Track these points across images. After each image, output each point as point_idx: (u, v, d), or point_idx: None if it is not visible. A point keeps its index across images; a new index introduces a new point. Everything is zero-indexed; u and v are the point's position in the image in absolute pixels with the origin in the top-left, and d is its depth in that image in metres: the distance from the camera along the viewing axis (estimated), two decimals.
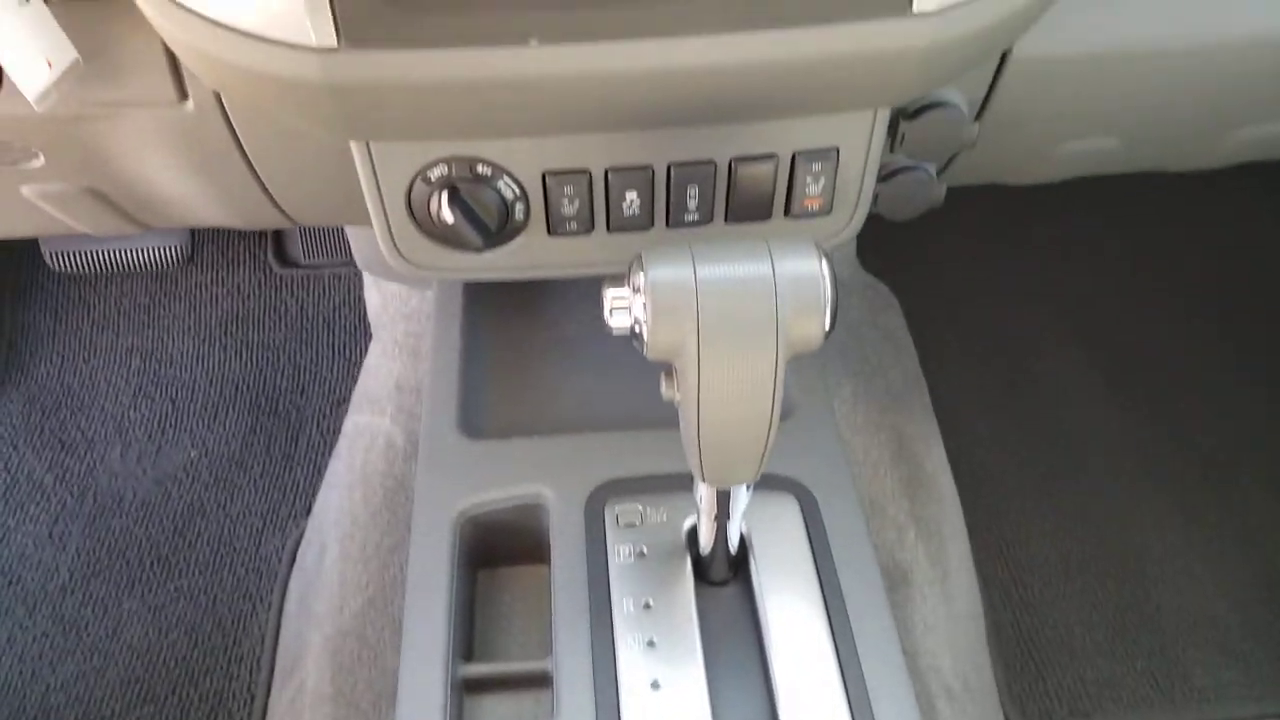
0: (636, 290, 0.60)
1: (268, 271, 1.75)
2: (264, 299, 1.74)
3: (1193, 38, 0.75)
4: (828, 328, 0.60)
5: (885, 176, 0.82)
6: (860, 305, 1.31)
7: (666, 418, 0.70)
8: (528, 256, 0.78)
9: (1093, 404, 1.52)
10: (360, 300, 1.66)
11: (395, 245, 0.77)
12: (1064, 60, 0.76)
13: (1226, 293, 1.65)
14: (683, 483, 0.75)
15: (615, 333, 0.62)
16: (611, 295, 0.61)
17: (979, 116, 0.80)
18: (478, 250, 0.74)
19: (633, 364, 0.70)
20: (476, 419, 0.93)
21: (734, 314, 0.58)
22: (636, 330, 0.61)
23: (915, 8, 0.59)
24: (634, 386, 0.94)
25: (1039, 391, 1.52)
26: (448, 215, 0.72)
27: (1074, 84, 0.78)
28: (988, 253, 1.65)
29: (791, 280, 0.59)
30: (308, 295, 1.73)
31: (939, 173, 0.86)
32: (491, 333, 1.03)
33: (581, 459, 0.86)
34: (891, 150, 0.79)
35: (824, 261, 0.60)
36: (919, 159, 0.82)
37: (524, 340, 1.02)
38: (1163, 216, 1.71)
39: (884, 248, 1.39)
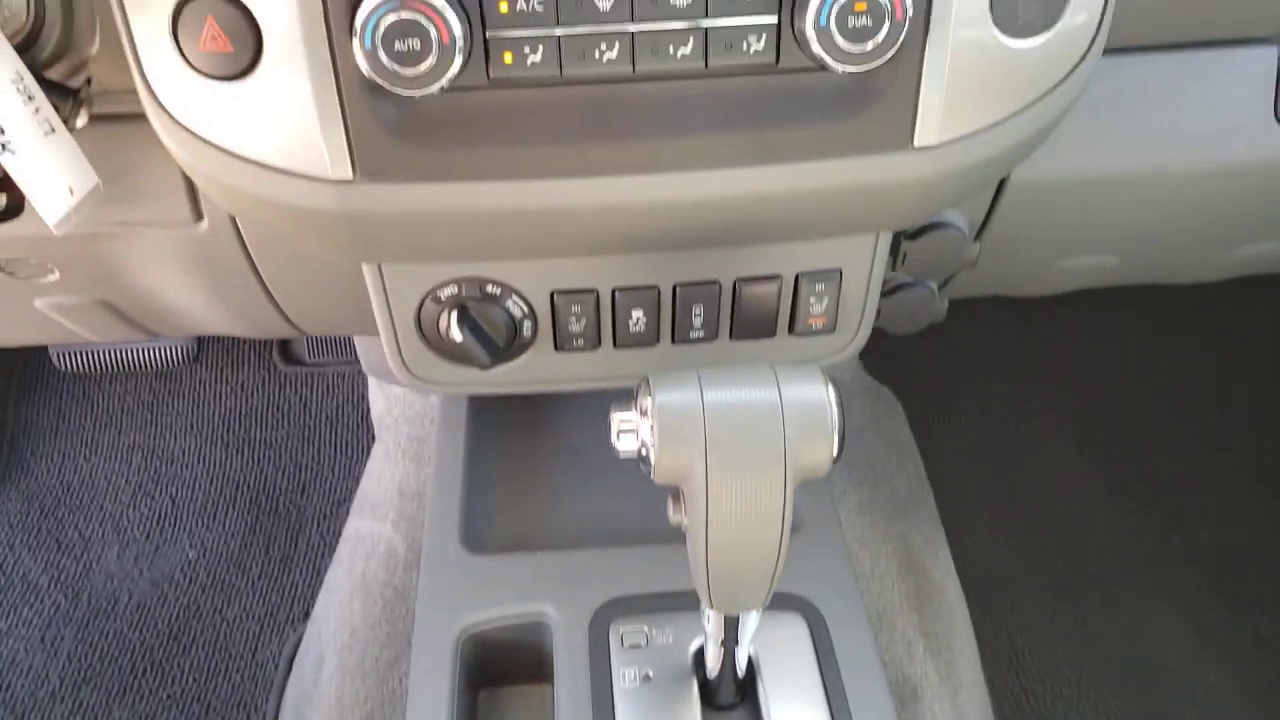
0: (644, 414, 0.61)
1: (272, 369, 1.76)
2: (267, 396, 1.74)
3: (1186, 163, 0.77)
4: (835, 454, 0.60)
5: (888, 292, 0.83)
6: (864, 410, 1.31)
7: (672, 532, 0.69)
8: (534, 372, 0.78)
9: (1099, 507, 1.51)
10: (364, 398, 1.66)
11: (404, 362, 0.77)
12: (1060, 184, 0.77)
13: (1229, 397, 1.65)
14: (689, 601, 0.73)
15: (622, 456, 0.62)
16: (619, 419, 0.61)
17: (978, 237, 0.82)
18: (485, 368, 0.74)
19: (639, 475, 0.70)
20: (479, 532, 0.92)
21: (742, 440, 0.58)
22: (644, 454, 0.61)
23: (916, 142, 0.60)
24: (640, 498, 0.94)
25: (1045, 495, 1.51)
26: (456, 334, 0.73)
27: (1071, 206, 0.79)
28: (991, 355, 1.65)
29: (798, 406, 0.59)
30: (311, 393, 1.74)
31: (940, 288, 0.87)
32: (496, 440, 1.03)
33: (586, 576, 0.85)
34: (894, 269, 0.80)
35: (830, 387, 0.60)
36: (921, 277, 0.83)
37: (529, 448, 1.02)
38: (1165, 321, 1.72)
39: (886, 350, 1.40)
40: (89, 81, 0.69)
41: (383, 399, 1.32)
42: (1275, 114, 0.75)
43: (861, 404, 1.32)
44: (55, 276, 0.84)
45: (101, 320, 0.92)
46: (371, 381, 1.38)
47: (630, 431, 0.61)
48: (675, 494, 0.63)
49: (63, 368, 1.74)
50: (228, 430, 1.70)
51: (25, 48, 0.66)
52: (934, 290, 0.85)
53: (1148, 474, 1.56)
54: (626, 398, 0.63)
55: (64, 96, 0.67)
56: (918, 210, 0.67)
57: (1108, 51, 0.62)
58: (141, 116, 0.63)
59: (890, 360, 1.46)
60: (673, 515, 0.63)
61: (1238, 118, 0.75)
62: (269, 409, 1.72)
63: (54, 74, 0.69)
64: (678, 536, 0.65)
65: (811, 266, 0.74)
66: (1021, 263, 0.88)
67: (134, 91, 0.62)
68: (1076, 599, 1.38)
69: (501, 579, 0.86)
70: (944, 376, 1.61)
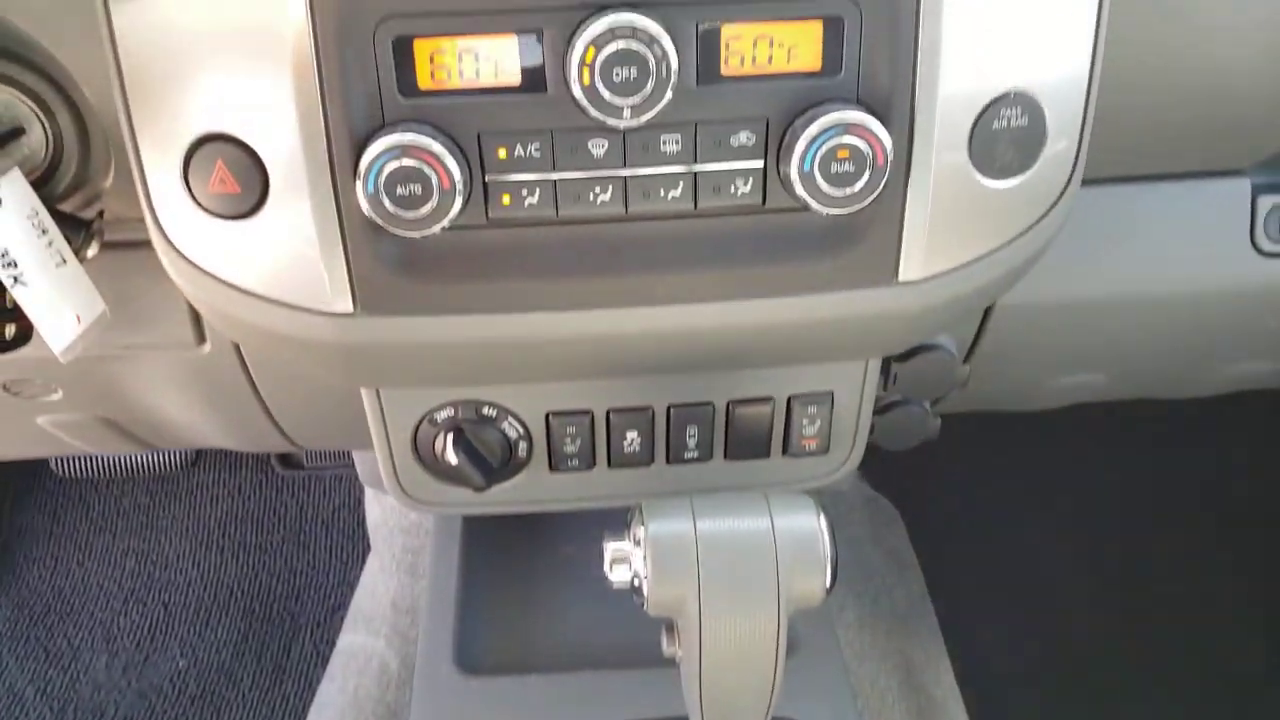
0: (636, 543, 0.61)
1: (269, 473, 1.76)
2: (264, 500, 1.73)
3: (1167, 289, 0.79)
4: (829, 585, 0.60)
5: (880, 410, 0.84)
6: (862, 521, 1.31)
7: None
8: (528, 492, 0.79)
9: (1101, 614, 1.49)
10: (360, 502, 1.65)
11: (400, 484, 0.78)
12: (1046, 308, 0.79)
13: (1229, 504, 1.65)
14: None
15: (615, 587, 0.62)
16: (612, 548, 0.62)
17: (968, 358, 0.83)
18: (480, 490, 0.75)
19: None
20: (473, 651, 0.91)
21: (735, 573, 0.58)
22: (636, 585, 0.61)
23: (901, 277, 0.62)
24: (637, 618, 0.93)
25: (1047, 603, 1.50)
26: (452, 457, 0.74)
27: (1057, 329, 0.81)
28: (989, 462, 1.65)
29: (791, 537, 0.59)
30: (308, 496, 1.74)
31: (933, 406, 0.88)
32: (491, 553, 1.03)
33: (582, 700, 0.84)
34: (885, 389, 0.82)
35: (822, 518, 0.60)
36: (912, 397, 0.84)
37: (524, 562, 1.02)
38: (1163, 429, 1.73)
39: (884, 458, 1.40)
40: (101, 214, 0.72)
41: (378, 509, 1.32)
42: (1252, 242, 0.78)
43: (860, 515, 1.32)
44: (59, 395, 0.85)
45: (102, 435, 0.93)
46: (368, 491, 1.38)
47: (623, 562, 0.61)
48: (669, 624, 0.63)
49: (59, 472, 1.74)
50: (223, 534, 1.69)
51: (43, 182, 0.69)
52: (926, 409, 0.86)
53: (1150, 579, 1.54)
54: (619, 524, 0.64)
55: (76, 228, 0.69)
56: (905, 340, 0.69)
57: (1087, 182, 0.65)
58: (148, 243, 0.65)
59: (888, 468, 1.46)
60: (666, 647, 0.63)
61: (1216, 246, 0.78)
62: (265, 512, 1.72)
63: (68, 205, 0.71)
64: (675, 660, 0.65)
65: (803, 389, 0.75)
66: (1012, 382, 0.89)
67: (143, 220, 0.64)
68: (1083, 712, 1.35)
69: (495, 702, 0.85)
70: (942, 483, 1.61)
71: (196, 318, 0.77)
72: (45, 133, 0.68)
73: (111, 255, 0.73)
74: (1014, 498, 1.62)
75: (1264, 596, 1.52)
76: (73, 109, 0.67)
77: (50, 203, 0.68)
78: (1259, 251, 0.78)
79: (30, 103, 0.67)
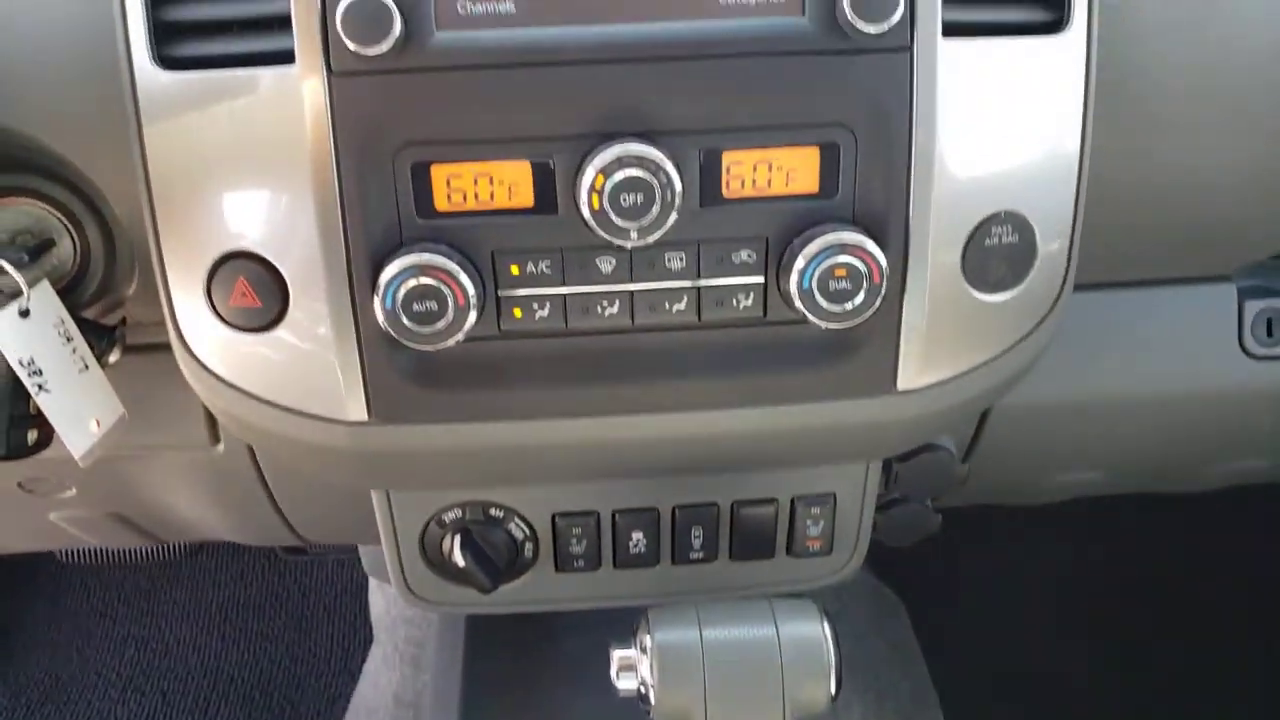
0: (643, 651, 0.62)
1: (272, 557, 1.75)
2: (266, 584, 1.73)
3: (1159, 390, 0.81)
4: (833, 692, 0.60)
5: (882, 507, 0.85)
6: (866, 613, 1.31)
7: None
8: (534, 592, 0.80)
9: (1107, 705, 1.47)
10: (363, 588, 1.65)
11: (406, 583, 0.79)
12: (1041, 408, 0.81)
13: (1234, 597, 1.64)
14: None
15: (622, 694, 0.62)
16: (618, 656, 0.63)
17: (966, 457, 0.85)
18: (486, 592, 0.75)
19: None
20: None
21: (741, 681, 0.59)
22: (643, 692, 0.61)
23: (899, 386, 0.64)
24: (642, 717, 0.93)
25: (1054, 694, 1.48)
26: (459, 559, 0.75)
27: (1053, 429, 0.83)
28: (993, 550, 1.65)
29: (795, 644, 0.60)
30: (310, 581, 1.73)
31: (933, 501, 0.90)
32: (495, 649, 1.03)
33: None
34: (886, 486, 0.83)
35: (826, 624, 0.61)
36: (913, 495, 0.85)
37: (528, 658, 1.02)
38: (1166, 520, 1.73)
39: (887, 546, 1.40)
40: (124, 321, 0.74)
41: (382, 599, 1.32)
42: (1240, 345, 0.80)
43: (863, 606, 1.31)
44: (72, 492, 0.86)
45: (112, 530, 0.94)
46: (372, 581, 1.38)
47: (630, 669, 0.62)
48: None
49: (61, 557, 1.73)
50: (225, 620, 1.68)
51: (68, 290, 0.71)
52: (927, 505, 0.87)
53: (1154, 666, 1.53)
54: (624, 623, 0.65)
55: (100, 335, 0.72)
56: (904, 444, 0.70)
57: (1079, 288, 0.67)
58: (164, 347, 0.67)
59: (890, 554, 1.46)
60: None
61: (1205, 349, 0.80)
62: (268, 598, 1.71)
63: (90, 311, 0.74)
64: None
65: (806, 490, 0.76)
66: (1011, 478, 0.91)
67: (162, 324, 0.66)
68: None
69: None
70: (945, 571, 1.61)
71: (211, 419, 0.78)
72: (74, 244, 0.70)
73: (130, 358, 0.75)
74: (1017, 586, 1.62)
75: (1274, 682, 1.50)
76: (100, 222, 0.70)
77: (75, 310, 0.70)
78: (1248, 354, 0.80)
79: (60, 216, 0.70)
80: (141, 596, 1.72)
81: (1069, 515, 1.67)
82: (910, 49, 0.57)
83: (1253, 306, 0.80)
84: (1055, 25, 0.61)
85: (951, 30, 0.58)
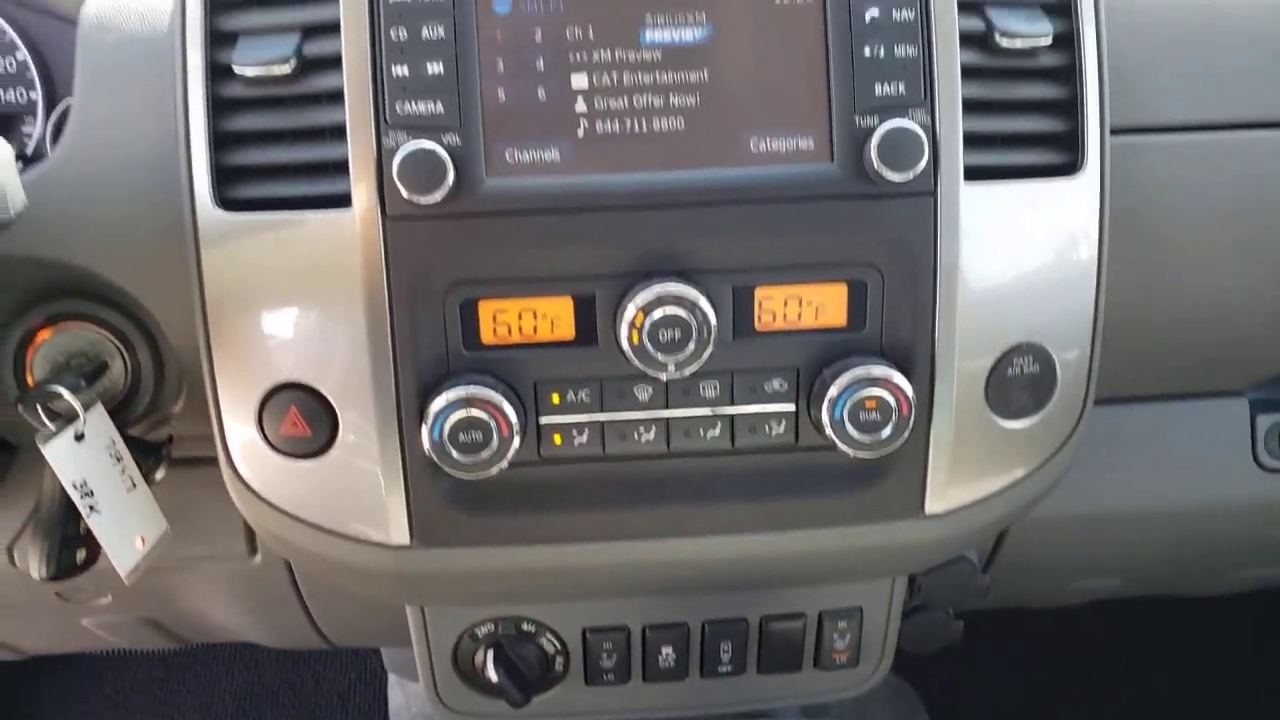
0: None
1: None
2: (280, 672, 1.72)
3: (1175, 502, 0.83)
4: None
5: (905, 614, 0.86)
6: (887, 712, 1.30)
7: None
8: (564, 704, 0.80)
9: None
10: (377, 676, 1.64)
11: (439, 693, 0.79)
12: (1060, 521, 0.82)
13: (1249, 701, 1.62)
14: None
15: None
16: None
17: (986, 568, 0.86)
18: (518, 707, 0.76)
19: None
20: None
21: None
22: None
23: (927, 510, 0.66)
24: None
25: None
26: (492, 673, 0.75)
27: (1071, 539, 0.84)
28: (1015, 647, 1.64)
29: None
30: (324, 669, 1.72)
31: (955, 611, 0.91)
32: None
33: None
34: (909, 596, 0.84)
35: None
36: (935, 605, 0.87)
37: None
38: (1189, 620, 1.71)
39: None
40: (170, 439, 0.76)
41: (401, 695, 1.31)
42: (1254, 458, 0.82)
43: (885, 705, 1.31)
44: (107, 600, 0.87)
45: (142, 634, 0.95)
46: (391, 679, 1.37)
47: None
48: None
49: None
50: (238, 709, 1.67)
51: (119, 409, 0.73)
52: (949, 614, 0.88)
53: None
54: None
55: (147, 454, 0.74)
56: (930, 563, 0.72)
57: (1098, 402, 0.69)
58: (206, 461, 0.69)
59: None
60: None
61: (1219, 462, 0.82)
62: (282, 687, 1.70)
63: (137, 429, 0.76)
64: None
65: (834, 605, 0.77)
66: (1031, 586, 0.92)
67: (203, 438, 0.68)
68: None
69: None
70: (967, 668, 1.60)
71: (249, 530, 0.80)
72: (125, 365, 0.73)
73: (172, 472, 0.77)
74: (1039, 684, 1.61)
75: None
76: (151, 344, 0.73)
77: (123, 428, 0.72)
78: (1261, 467, 0.82)
79: (114, 339, 0.73)
80: (155, 685, 1.71)
81: (1091, 614, 1.67)
82: (934, 193, 0.61)
83: (1265, 420, 0.82)
84: (1070, 167, 0.64)
85: (972, 174, 0.61)
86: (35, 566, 0.69)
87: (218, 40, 0.62)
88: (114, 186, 0.66)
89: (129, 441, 0.72)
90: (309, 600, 0.85)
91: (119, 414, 0.73)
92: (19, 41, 0.80)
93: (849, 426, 0.61)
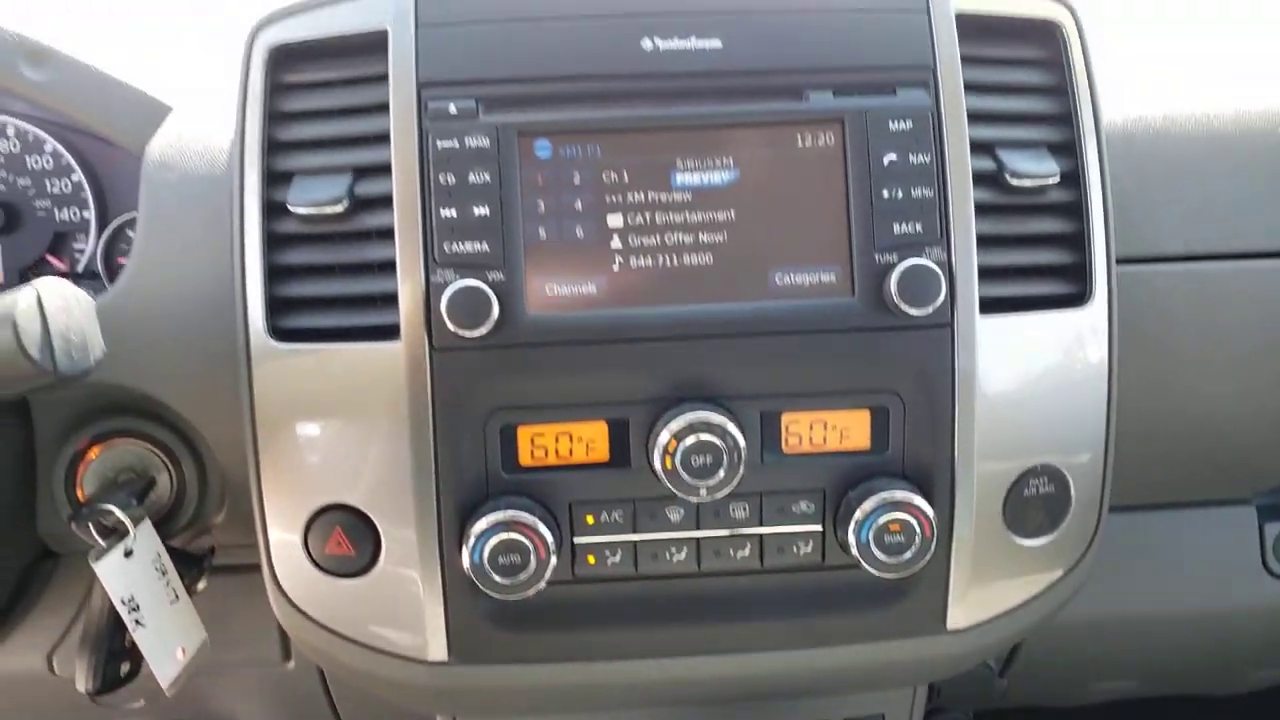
0: None
1: None
2: None
3: (1186, 607, 0.85)
4: None
5: (924, 716, 0.88)
6: None
7: None
8: None
9: None
10: None
11: None
12: (1074, 626, 0.84)
13: None
14: None
15: None
16: None
17: (1003, 673, 0.87)
18: None
19: None
20: None
21: None
22: None
23: (949, 625, 0.68)
24: None
25: None
26: None
27: (1086, 644, 0.86)
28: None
29: None
30: None
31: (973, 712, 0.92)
32: None
33: None
34: (929, 701, 0.85)
35: None
36: (955, 706, 0.88)
37: None
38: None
39: None
40: (213, 550, 0.79)
41: None
42: (1264, 564, 0.84)
43: None
44: (140, 704, 0.89)
45: None
46: None
47: None
48: None
49: None
50: None
51: (163, 522, 0.76)
52: (968, 715, 0.90)
53: None
54: None
55: (190, 565, 0.76)
56: (951, 674, 0.74)
57: (1111, 510, 0.71)
58: (243, 568, 0.71)
59: None
60: None
61: (1229, 569, 0.84)
62: None
63: (178, 540, 0.78)
64: None
65: (856, 713, 0.79)
66: (1047, 688, 0.93)
67: (242, 547, 0.70)
68: None
69: None
70: None
71: (284, 636, 0.82)
72: (170, 479, 0.76)
73: (211, 580, 0.79)
74: None
75: None
76: (196, 458, 0.76)
77: (166, 539, 0.75)
78: (1271, 573, 0.84)
79: (161, 454, 0.75)
80: None
81: (1108, 713, 1.65)
82: (951, 325, 0.64)
83: (1273, 528, 0.84)
84: (1080, 298, 0.67)
85: (988, 306, 0.65)
86: (82, 681, 0.71)
87: (273, 179, 0.66)
88: (172, 317, 0.70)
89: (172, 553, 0.75)
90: (339, 704, 0.87)
91: (163, 525, 0.75)
92: (75, 164, 0.84)
93: (874, 549, 0.63)
